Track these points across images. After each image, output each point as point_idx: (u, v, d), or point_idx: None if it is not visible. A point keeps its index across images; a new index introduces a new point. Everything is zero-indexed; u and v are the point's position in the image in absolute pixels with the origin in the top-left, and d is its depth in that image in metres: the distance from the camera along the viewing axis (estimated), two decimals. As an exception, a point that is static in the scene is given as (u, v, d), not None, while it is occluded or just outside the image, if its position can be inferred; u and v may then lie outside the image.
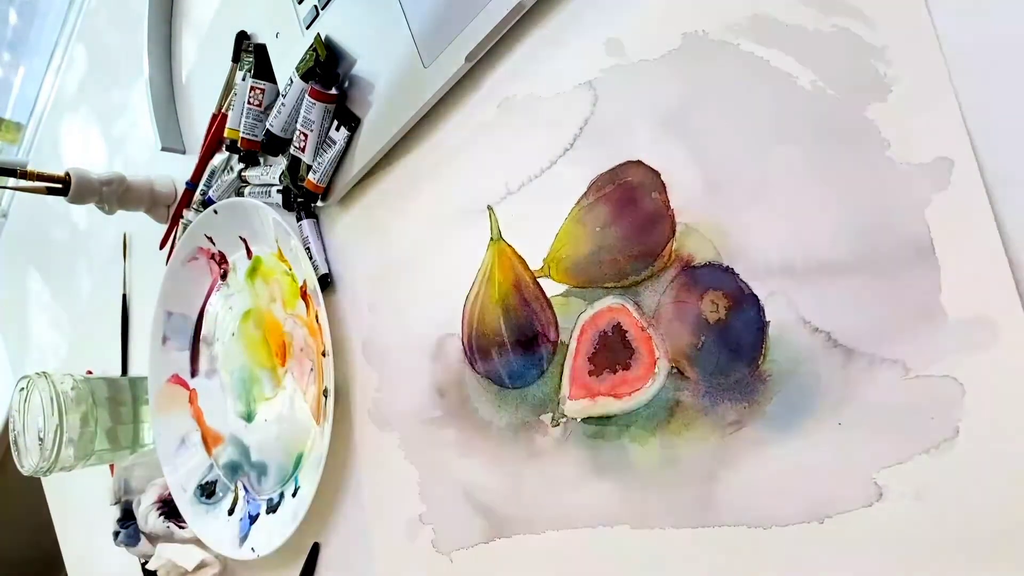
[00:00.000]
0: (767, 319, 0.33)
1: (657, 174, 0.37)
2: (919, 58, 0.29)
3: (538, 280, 0.43)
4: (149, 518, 0.73)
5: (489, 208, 0.45)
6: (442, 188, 0.48)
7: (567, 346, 0.41)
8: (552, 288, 0.42)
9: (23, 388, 0.76)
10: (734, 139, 0.35)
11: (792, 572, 0.33)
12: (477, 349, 0.46)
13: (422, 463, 0.50)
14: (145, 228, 0.83)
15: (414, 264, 0.51)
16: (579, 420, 0.41)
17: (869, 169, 0.30)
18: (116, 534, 0.78)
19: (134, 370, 0.91)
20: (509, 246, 0.44)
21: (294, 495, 0.60)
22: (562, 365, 0.42)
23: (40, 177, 0.75)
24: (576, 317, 0.41)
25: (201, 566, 0.68)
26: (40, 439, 0.73)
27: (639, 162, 0.38)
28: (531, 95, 0.43)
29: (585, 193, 0.40)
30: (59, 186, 0.76)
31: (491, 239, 0.45)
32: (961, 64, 0.28)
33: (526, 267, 0.43)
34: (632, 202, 0.38)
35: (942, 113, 0.29)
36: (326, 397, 0.54)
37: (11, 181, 0.74)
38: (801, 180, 0.32)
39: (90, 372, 0.95)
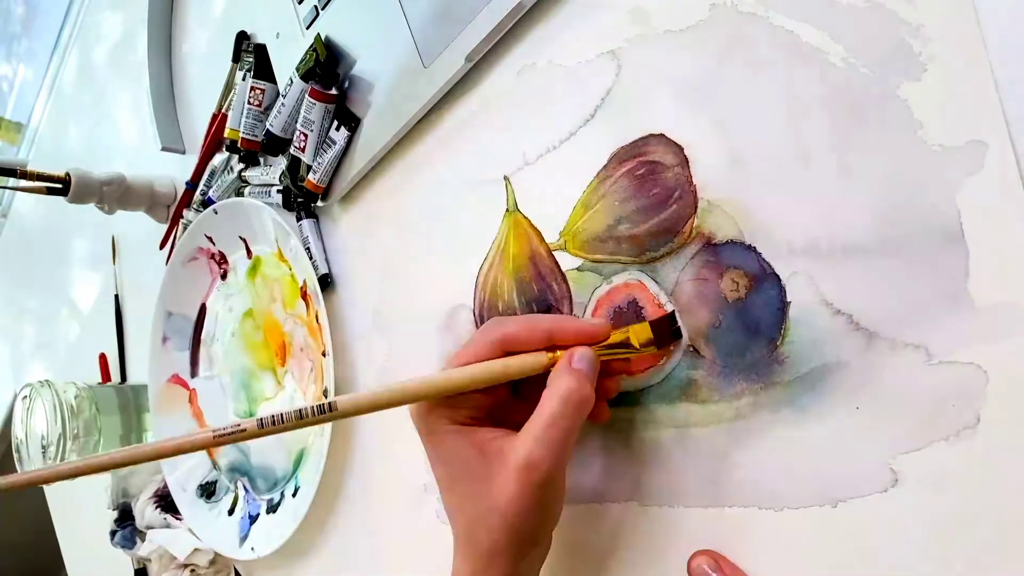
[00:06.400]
0: (788, 299, 0.33)
1: (680, 148, 0.37)
2: (956, 37, 0.28)
3: (553, 253, 0.42)
4: (146, 511, 0.74)
5: (505, 178, 0.45)
6: (458, 156, 0.48)
7: (581, 320, 0.41)
8: (568, 261, 0.42)
9: (26, 396, 0.76)
10: (760, 115, 0.34)
11: (803, 556, 0.33)
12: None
13: (430, 433, 0.50)
14: (143, 229, 0.83)
15: (428, 232, 0.50)
16: (590, 395, 0.40)
17: (900, 150, 0.30)
18: (113, 533, 0.78)
19: (132, 371, 0.91)
20: (525, 218, 0.44)
21: (294, 495, 0.60)
22: (575, 340, 0.41)
23: (40, 177, 0.74)
24: (591, 292, 0.40)
25: (194, 554, 0.69)
26: (43, 448, 0.74)
27: (662, 135, 0.37)
28: (552, 62, 0.42)
29: (605, 165, 0.40)
30: (59, 186, 0.75)
31: (507, 210, 0.45)
32: (1000, 44, 0.28)
33: (542, 239, 0.43)
34: (654, 176, 0.37)
35: (978, 95, 0.28)
36: (326, 397, 0.53)
37: (11, 181, 0.74)
38: (828, 159, 0.32)
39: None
